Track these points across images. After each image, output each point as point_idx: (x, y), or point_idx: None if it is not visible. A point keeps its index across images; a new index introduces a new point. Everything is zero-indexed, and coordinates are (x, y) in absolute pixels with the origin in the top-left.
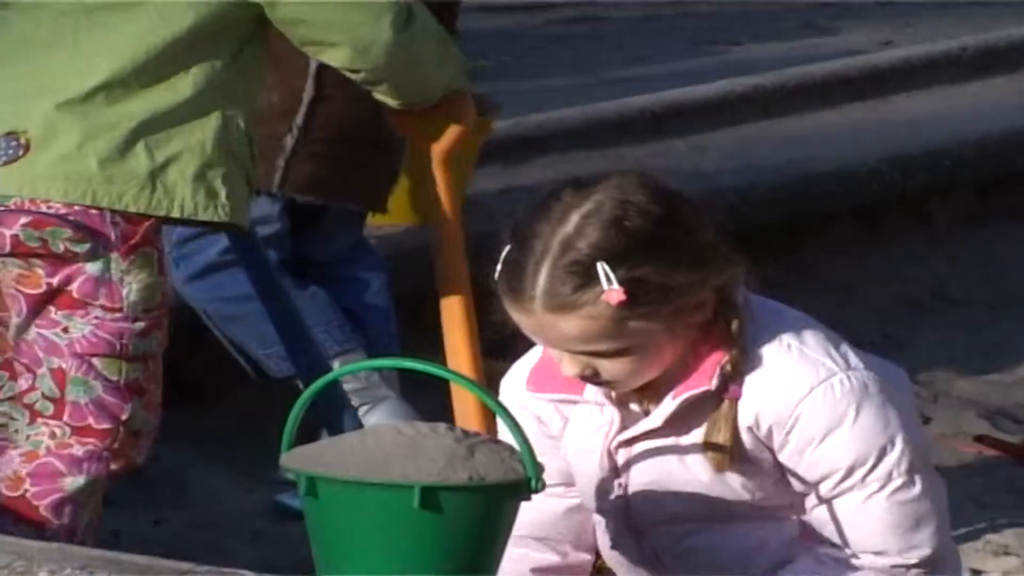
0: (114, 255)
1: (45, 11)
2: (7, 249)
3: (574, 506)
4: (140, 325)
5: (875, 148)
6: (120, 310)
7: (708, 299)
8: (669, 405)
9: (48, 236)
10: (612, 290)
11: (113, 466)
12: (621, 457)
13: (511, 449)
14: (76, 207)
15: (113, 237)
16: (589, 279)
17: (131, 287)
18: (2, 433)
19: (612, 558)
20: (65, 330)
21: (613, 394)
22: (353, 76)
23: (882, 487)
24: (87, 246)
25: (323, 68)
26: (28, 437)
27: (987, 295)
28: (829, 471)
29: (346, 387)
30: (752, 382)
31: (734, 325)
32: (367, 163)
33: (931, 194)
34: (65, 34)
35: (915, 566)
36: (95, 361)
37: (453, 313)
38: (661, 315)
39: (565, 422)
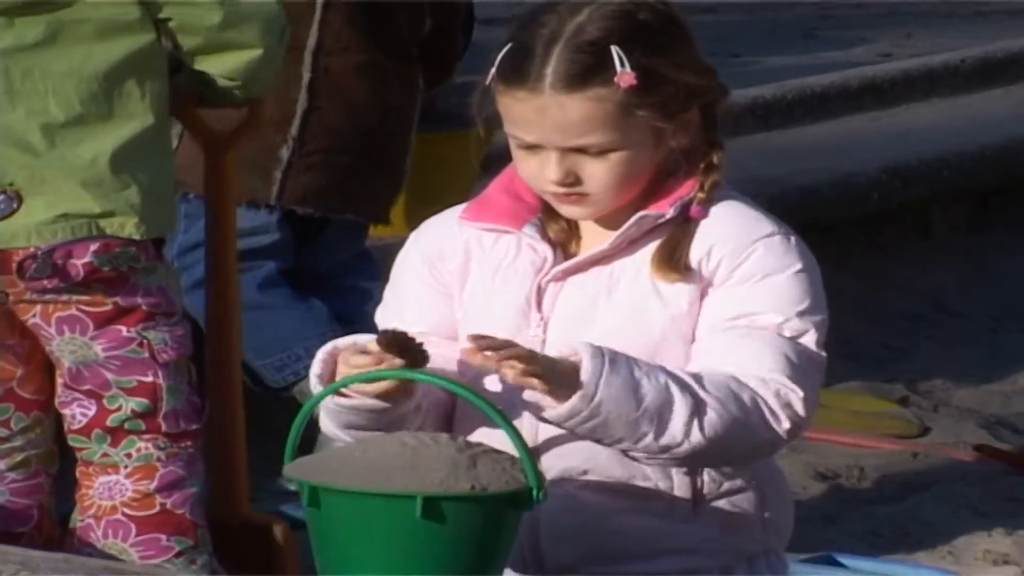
0: (158, 265)
1: None
2: (80, 277)
3: (442, 360)
4: (187, 324)
5: (875, 159)
6: (176, 314)
7: (696, 119)
8: (623, 227)
9: (117, 258)
10: (625, 73)
11: (202, 465)
12: (550, 291)
13: (513, 459)
14: None
15: (151, 249)
16: (603, 60)
17: (176, 291)
18: (15, 466)
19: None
20: (141, 344)
21: (551, 234)
22: (225, 83)
23: (794, 337)
24: (142, 261)
25: (316, 78)
26: (130, 456)
27: (986, 305)
28: (757, 309)
29: None
30: (716, 216)
31: (716, 156)
32: (365, 174)
33: (930, 204)
34: None
35: (786, 405)
36: (177, 367)
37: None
38: (662, 113)
39: (466, 263)
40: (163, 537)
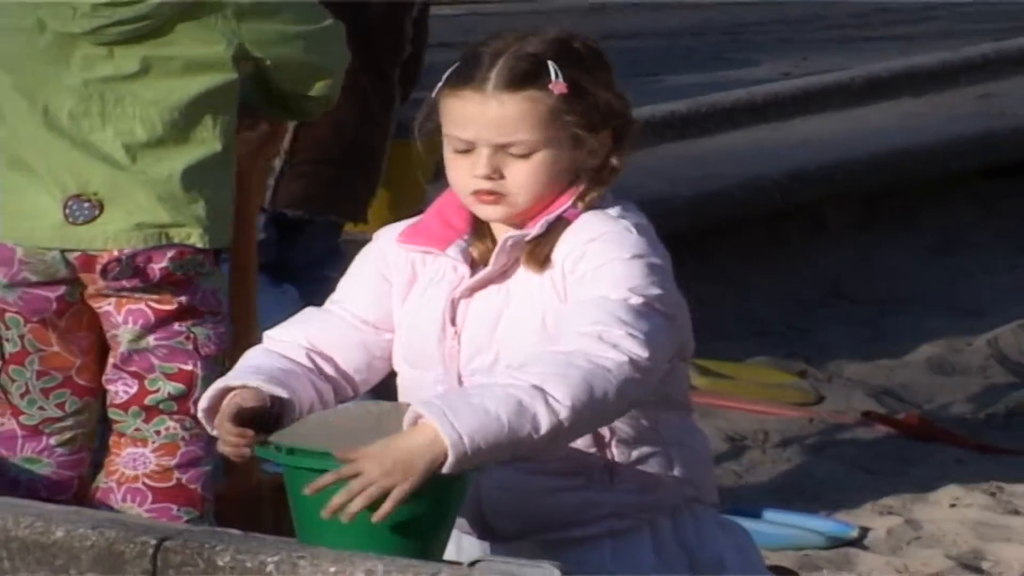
0: (215, 271)
1: (66, 85)
2: (156, 280)
3: (370, 347)
4: (229, 324)
5: (777, 164)
6: (220, 314)
7: (607, 142)
8: (499, 247)
9: (187, 264)
10: (558, 82)
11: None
12: (461, 307)
13: None
14: None
15: (212, 257)
16: (540, 69)
17: (225, 294)
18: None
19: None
20: (188, 338)
21: (474, 254)
22: (316, 105)
23: (622, 299)
24: (205, 267)
25: None
26: (159, 433)
27: (874, 291)
28: (593, 292)
29: None
30: (574, 224)
31: (605, 173)
32: (347, 181)
33: (826, 204)
34: (92, 105)
35: (612, 345)
36: (214, 360)
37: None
38: (585, 122)
39: (412, 278)
40: (174, 507)
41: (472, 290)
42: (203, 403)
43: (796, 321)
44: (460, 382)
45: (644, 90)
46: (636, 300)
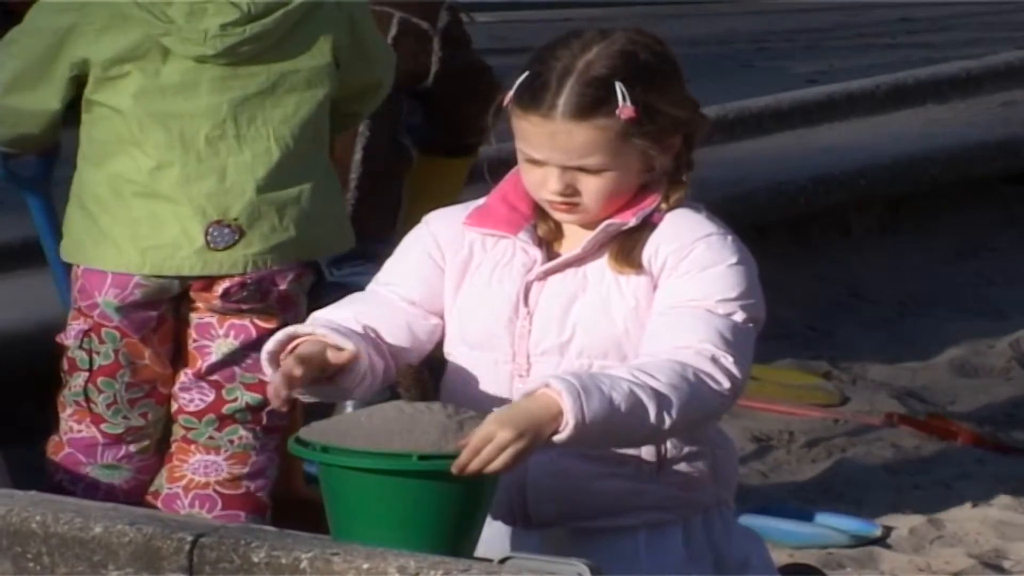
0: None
1: (198, 110)
2: (274, 300)
3: (414, 328)
4: None
5: (802, 169)
6: None
7: (677, 144)
8: (593, 233)
9: (303, 284)
10: (626, 106)
11: (278, 456)
12: (535, 289)
13: None
14: None
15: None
16: (608, 94)
17: (304, 309)
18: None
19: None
20: None
21: (540, 234)
22: (357, 119)
23: (727, 314)
24: (309, 286)
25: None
26: (232, 442)
27: (897, 294)
28: (696, 296)
29: None
30: (666, 221)
31: (685, 175)
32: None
33: (850, 208)
34: (227, 128)
35: (723, 369)
36: None
37: None
38: (654, 141)
39: (469, 259)
40: (242, 514)
41: (548, 273)
42: (269, 346)
43: (820, 323)
44: (528, 362)
45: None
46: (740, 316)
